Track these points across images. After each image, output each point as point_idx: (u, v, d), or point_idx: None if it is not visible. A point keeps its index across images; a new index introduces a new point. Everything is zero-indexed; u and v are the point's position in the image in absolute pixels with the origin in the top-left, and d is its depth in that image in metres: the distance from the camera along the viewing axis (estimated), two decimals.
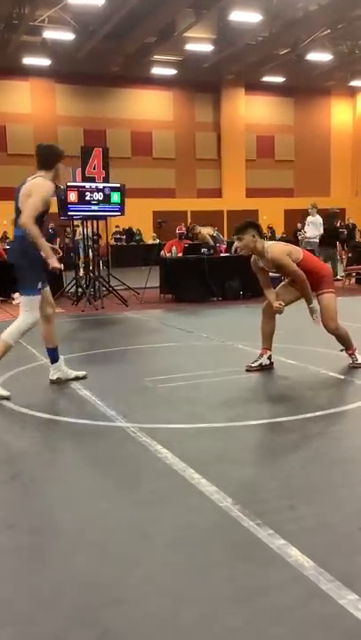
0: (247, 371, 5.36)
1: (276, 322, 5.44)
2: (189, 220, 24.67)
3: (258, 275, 5.47)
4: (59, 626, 1.98)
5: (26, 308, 4.80)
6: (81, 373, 5.23)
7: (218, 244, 13.05)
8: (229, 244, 13.70)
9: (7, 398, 4.63)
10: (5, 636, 1.93)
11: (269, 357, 5.46)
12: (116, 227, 24.82)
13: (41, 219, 4.72)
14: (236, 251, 5.28)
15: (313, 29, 24.59)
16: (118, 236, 24.79)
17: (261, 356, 5.44)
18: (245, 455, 3.47)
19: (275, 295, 5.33)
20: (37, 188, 4.70)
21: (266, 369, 5.40)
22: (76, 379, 5.16)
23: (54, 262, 4.73)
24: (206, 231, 13.95)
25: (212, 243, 13.00)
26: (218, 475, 3.10)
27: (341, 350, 5.49)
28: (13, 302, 11.52)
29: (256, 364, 5.40)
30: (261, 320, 5.46)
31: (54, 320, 5.16)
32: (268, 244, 5.30)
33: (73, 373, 5.19)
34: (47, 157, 4.85)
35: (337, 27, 24.35)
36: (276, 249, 5.24)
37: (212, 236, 13.83)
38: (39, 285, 4.82)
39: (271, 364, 5.46)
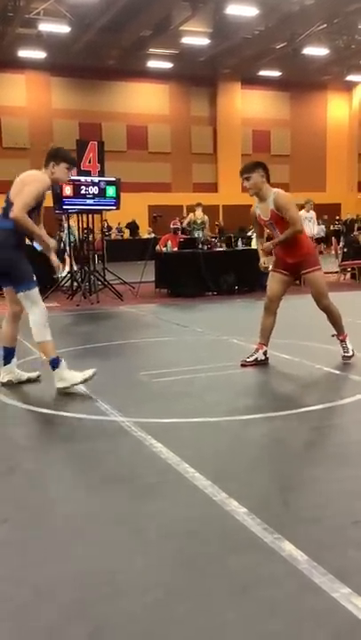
0: (242, 366, 5.37)
1: (276, 318, 5.44)
2: (185, 215, 24.62)
3: (254, 225, 5.55)
4: (54, 620, 1.98)
5: (29, 304, 4.57)
6: (34, 374, 5.03)
7: (194, 230, 13.16)
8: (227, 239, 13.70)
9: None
10: (1, 631, 1.94)
11: (265, 353, 5.47)
12: (104, 220, 24.70)
13: (30, 214, 4.50)
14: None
15: (309, 24, 24.57)
16: (107, 232, 24.64)
17: (257, 350, 5.45)
18: (240, 449, 3.48)
19: (268, 245, 5.30)
20: (32, 178, 4.52)
21: (261, 364, 5.41)
22: (29, 380, 4.97)
23: (53, 256, 4.70)
24: (198, 215, 13.96)
25: (192, 226, 13.17)
26: (212, 469, 3.10)
27: (333, 335, 5.50)
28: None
29: (251, 358, 5.41)
30: (262, 315, 5.47)
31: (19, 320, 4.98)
32: (276, 189, 5.23)
33: (25, 375, 4.98)
34: (46, 156, 4.71)
35: (333, 21, 24.34)
36: (284, 193, 5.21)
37: (193, 222, 13.88)
38: (34, 277, 4.64)
39: (266, 359, 5.47)
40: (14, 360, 4.97)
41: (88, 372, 4.62)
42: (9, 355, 4.93)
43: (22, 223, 4.44)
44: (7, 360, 4.93)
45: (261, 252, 5.46)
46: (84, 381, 4.60)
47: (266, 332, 5.46)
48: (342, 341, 5.47)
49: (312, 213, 14.15)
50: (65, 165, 4.67)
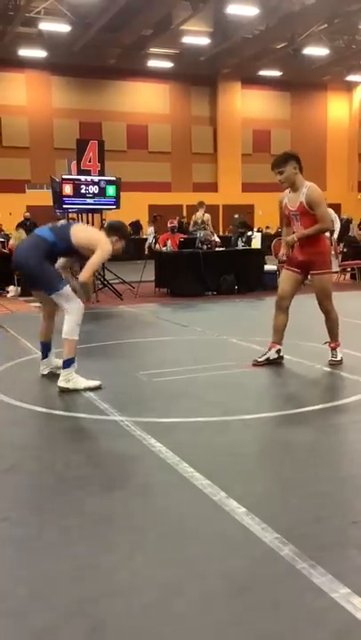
0: (254, 365, 5.32)
1: (289, 316, 5.37)
2: (185, 214, 24.61)
3: (281, 213, 5.45)
4: (51, 618, 1.98)
5: (66, 303, 4.69)
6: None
7: (196, 231, 13.14)
8: (225, 239, 13.64)
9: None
10: None
11: (278, 351, 5.39)
12: (103, 220, 24.67)
13: (73, 254, 4.90)
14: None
15: (310, 24, 24.55)
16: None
17: (270, 349, 5.39)
18: (238, 449, 3.47)
19: (292, 237, 5.20)
20: (103, 245, 4.75)
21: (273, 363, 5.35)
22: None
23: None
24: (199, 216, 13.89)
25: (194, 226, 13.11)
26: (211, 468, 3.10)
27: (325, 343, 5.47)
28: (8, 295, 11.50)
29: (263, 357, 5.36)
30: (274, 314, 5.41)
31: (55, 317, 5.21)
32: (310, 183, 5.19)
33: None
34: (111, 226, 5.09)
35: (334, 21, 24.32)
36: (318, 189, 5.18)
37: (194, 222, 13.82)
38: (63, 276, 4.89)
39: (280, 357, 5.41)
40: (51, 352, 5.21)
41: (93, 383, 4.74)
42: (45, 349, 5.20)
43: (86, 285, 4.72)
44: (44, 354, 5.20)
45: (285, 243, 5.38)
46: (86, 390, 4.66)
47: (278, 331, 5.38)
48: (333, 349, 5.40)
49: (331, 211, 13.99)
50: (124, 241, 5.07)
